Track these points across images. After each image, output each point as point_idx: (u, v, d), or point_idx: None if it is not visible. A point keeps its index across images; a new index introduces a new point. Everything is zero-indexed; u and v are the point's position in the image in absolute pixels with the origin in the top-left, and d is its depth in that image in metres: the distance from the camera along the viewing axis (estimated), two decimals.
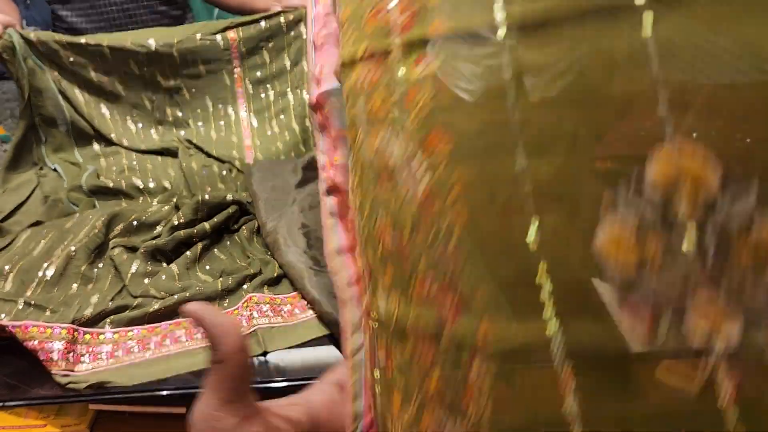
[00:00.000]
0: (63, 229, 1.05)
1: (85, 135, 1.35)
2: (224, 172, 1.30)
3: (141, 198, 1.23)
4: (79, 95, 1.33)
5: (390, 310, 0.31)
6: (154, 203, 1.18)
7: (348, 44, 0.34)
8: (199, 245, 1.05)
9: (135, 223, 1.06)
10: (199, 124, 1.38)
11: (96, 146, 1.35)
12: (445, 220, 0.30)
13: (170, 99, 1.39)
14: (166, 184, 1.26)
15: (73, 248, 0.99)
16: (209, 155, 1.35)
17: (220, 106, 1.42)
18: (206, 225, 1.07)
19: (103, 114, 1.35)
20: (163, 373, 0.79)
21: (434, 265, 0.29)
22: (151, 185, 1.27)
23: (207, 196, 1.11)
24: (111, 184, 1.24)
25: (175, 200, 1.16)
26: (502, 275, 0.27)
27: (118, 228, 1.05)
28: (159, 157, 1.33)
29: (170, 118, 1.39)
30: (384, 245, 0.34)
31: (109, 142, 1.34)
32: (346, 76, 0.35)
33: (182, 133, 1.38)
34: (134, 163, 1.31)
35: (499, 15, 0.28)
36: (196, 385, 0.81)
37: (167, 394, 0.80)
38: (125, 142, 1.34)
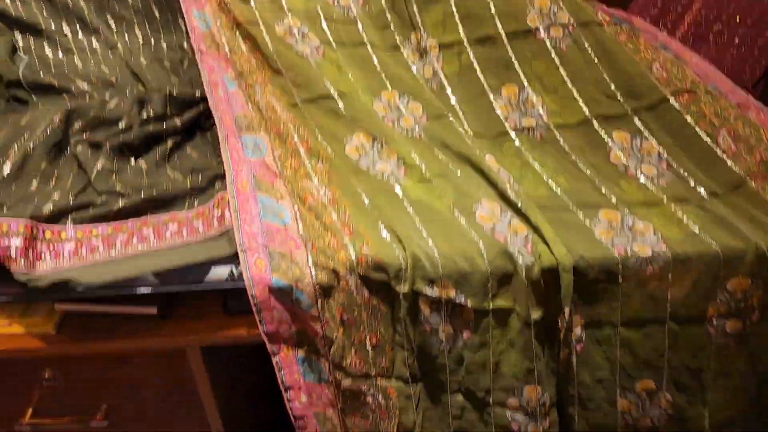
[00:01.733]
0: (18, 125, 0.98)
1: None
2: (177, 65, 1.14)
3: (87, 96, 1.07)
4: None
5: None
6: (109, 98, 1.04)
7: None
8: (170, 141, 0.98)
9: (96, 118, 0.98)
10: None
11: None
12: None
13: None
14: (112, 80, 1.10)
15: (31, 145, 0.92)
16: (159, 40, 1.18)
17: None
18: (177, 120, 1.00)
19: None
20: (130, 271, 0.75)
21: None
22: (99, 85, 1.12)
23: (175, 92, 1.02)
24: (56, 83, 1.08)
25: (135, 93, 1.04)
26: None
27: (78, 124, 0.97)
28: (88, 52, 1.15)
29: None
30: None
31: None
32: None
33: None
34: (60, 56, 1.13)
35: None
36: (165, 285, 0.77)
37: (137, 294, 0.77)
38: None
